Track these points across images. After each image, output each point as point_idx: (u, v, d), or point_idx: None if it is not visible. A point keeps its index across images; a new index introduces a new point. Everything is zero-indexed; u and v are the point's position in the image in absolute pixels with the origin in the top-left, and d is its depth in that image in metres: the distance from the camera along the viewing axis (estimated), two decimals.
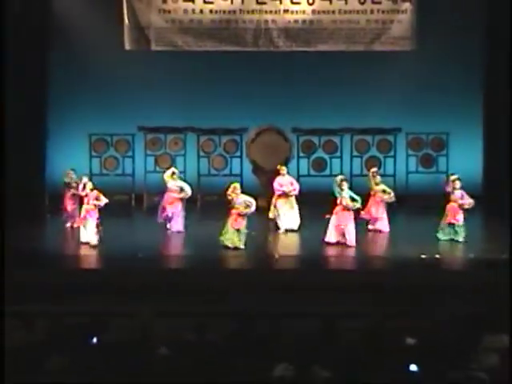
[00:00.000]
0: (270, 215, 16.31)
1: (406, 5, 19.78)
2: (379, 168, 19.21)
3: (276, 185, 16.44)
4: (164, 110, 19.88)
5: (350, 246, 14.76)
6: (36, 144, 19.80)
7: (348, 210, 14.90)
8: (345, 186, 15.00)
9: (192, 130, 20.42)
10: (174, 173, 16.34)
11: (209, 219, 17.32)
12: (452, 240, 15.13)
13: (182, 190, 16.14)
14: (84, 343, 8.12)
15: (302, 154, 20.39)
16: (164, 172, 16.75)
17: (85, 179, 15.81)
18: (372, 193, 16.26)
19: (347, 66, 19.80)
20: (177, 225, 16.09)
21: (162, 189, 16.44)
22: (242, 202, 14.60)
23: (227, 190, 14.75)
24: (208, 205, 19.50)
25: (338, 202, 14.97)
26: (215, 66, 19.89)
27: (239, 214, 14.53)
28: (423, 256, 14.24)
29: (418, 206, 19.01)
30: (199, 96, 19.80)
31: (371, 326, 8.24)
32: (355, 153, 20.48)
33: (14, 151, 17.92)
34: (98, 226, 14.70)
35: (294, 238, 16.07)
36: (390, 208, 16.34)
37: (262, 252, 14.81)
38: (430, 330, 8.48)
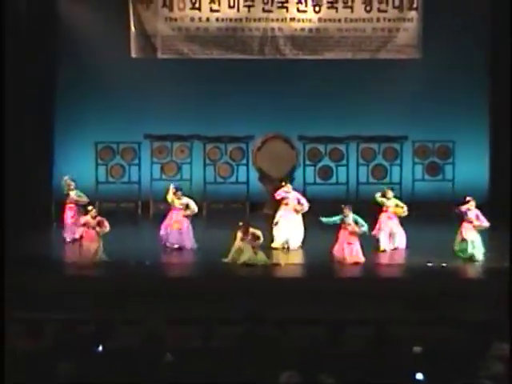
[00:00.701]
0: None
1: (412, 13, 19.79)
2: (385, 176, 19.17)
3: (280, 191, 16.26)
4: (170, 118, 19.90)
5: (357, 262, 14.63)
6: (42, 152, 19.78)
7: (354, 234, 14.68)
8: (347, 211, 14.66)
9: (198, 138, 20.39)
10: (176, 190, 15.98)
11: (215, 227, 17.32)
12: (471, 257, 14.82)
13: (187, 207, 15.93)
14: (89, 350, 8.12)
15: (308, 162, 20.35)
16: (170, 181, 16.67)
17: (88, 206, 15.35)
18: (384, 209, 16.01)
19: (353, 74, 19.80)
20: (186, 242, 15.84)
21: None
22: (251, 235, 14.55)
23: (245, 232, 14.58)
24: (214, 213, 19.50)
25: (343, 227, 14.69)
26: (221, 73, 19.89)
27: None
28: (429, 264, 14.22)
29: (424, 213, 18.96)
30: (205, 104, 19.81)
31: (378, 333, 8.22)
32: (361, 161, 20.42)
33: (21, 159, 17.96)
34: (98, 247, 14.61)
35: (300, 247, 16.07)
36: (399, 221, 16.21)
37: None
38: (436, 338, 8.45)
